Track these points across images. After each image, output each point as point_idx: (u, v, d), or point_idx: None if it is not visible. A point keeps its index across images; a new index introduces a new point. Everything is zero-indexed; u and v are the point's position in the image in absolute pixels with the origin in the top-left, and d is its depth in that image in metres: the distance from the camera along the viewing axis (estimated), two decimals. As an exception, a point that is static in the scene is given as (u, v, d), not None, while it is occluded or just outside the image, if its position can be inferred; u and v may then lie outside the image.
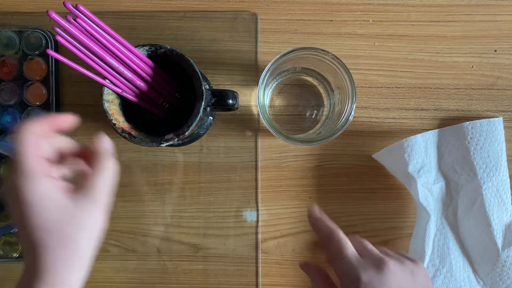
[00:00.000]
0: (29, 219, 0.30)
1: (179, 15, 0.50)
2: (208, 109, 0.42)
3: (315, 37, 0.50)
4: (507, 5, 0.50)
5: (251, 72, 0.50)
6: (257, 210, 0.50)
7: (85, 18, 0.36)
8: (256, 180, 0.50)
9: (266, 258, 0.50)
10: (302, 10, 0.50)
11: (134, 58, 0.40)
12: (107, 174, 0.33)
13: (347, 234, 0.50)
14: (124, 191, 0.50)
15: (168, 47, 0.41)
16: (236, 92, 0.43)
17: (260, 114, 0.43)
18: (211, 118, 0.49)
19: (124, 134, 0.41)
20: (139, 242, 0.50)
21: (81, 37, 0.36)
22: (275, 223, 0.50)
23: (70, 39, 0.36)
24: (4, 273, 0.50)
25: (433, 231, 0.47)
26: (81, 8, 0.36)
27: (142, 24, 0.50)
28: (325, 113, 0.50)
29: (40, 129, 0.32)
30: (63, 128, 0.34)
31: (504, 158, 0.47)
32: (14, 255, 0.49)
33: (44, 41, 0.49)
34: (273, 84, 0.50)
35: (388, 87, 0.50)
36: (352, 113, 0.42)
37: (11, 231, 0.46)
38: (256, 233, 0.50)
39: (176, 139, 0.40)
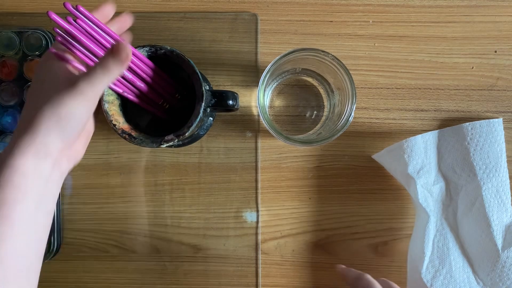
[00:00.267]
0: (32, 84, 0.36)
1: (179, 16, 0.50)
2: (208, 110, 0.42)
3: (315, 38, 0.50)
4: (507, 6, 0.50)
5: (251, 73, 0.50)
6: (257, 211, 0.50)
7: (85, 19, 0.36)
8: (256, 181, 0.50)
9: (266, 258, 0.50)
10: (302, 11, 0.50)
11: (135, 59, 0.40)
12: (102, 73, 0.34)
13: (347, 235, 0.50)
14: (124, 191, 0.50)
15: (168, 48, 0.41)
16: (236, 93, 0.43)
17: (260, 115, 0.43)
18: (211, 119, 0.49)
19: (124, 135, 0.41)
20: (139, 242, 0.50)
21: (82, 38, 0.36)
22: (275, 223, 0.50)
23: (71, 40, 0.36)
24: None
25: (432, 232, 0.47)
26: (81, 9, 0.36)
27: (142, 25, 0.50)
28: (325, 114, 0.50)
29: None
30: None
31: (504, 159, 0.47)
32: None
33: (44, 42, 0.49)
34: (273, 85, 0.50)
35: (388, 88, 0.50)
36: (352, 114, 0.42)
37: None
38: (256, 233, 0.50)
39: (176, 140, 0.40)
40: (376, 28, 0.50)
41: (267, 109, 0.48)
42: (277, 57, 0.42)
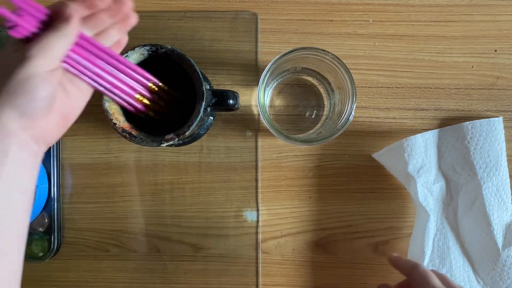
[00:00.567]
0: None
1: (179, 15, 0.50)
2: (209, 109, 0.42)
3: (315, 37, 0.50)
4: (507, 5, 0.50)
5: (251, 72, 0.50)
6: (257, 210, 0.50)
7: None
8: (256, 180, 0.50)
9: (266, 258, 0.50)
10: (302, 10, 0.50)
11: (96, 51, 0.38)
12: (52, 35, 0.32)
13: (347, 234, 0.50)
14: (125, 191, 0.50)
15: (169, 47, 0.41)
16: (236, 93, 0.43)
17: (261, 114, 0.43)
18: (212, 118, 0.49)
19: (124, 134, 0.41)
20: (139, 242, 0.50)
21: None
22: (275, 223, 0.50)
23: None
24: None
25: (432, 231, 0.47)
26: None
27: (142, 24, 0.50)
28: (325, 113, 0.50)
29: None
30: None
31: (504, 157, 0.47)
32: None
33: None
34: (273, 84, 0.50)
35: (388, 87, 0.50)
36: (352, 113, 0.42)
37: None
38: (256, 233, 0.50)
39: (176, 139, 0.40)
40: (376, 27, 0.50)
41: (267, 108, 0.48)
42: (277, 56, 0.42)
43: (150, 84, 0.40)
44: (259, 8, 0.50)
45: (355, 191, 0.50)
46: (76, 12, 0.34)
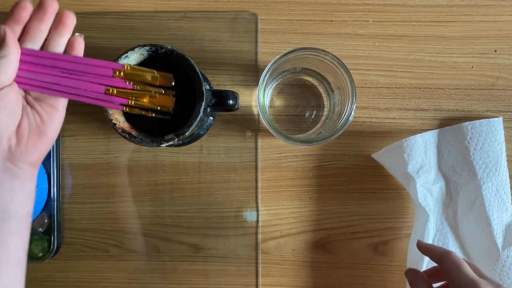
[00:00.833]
0: None
1: (179, 16, 0.50)
2: (209, 109, 0.42)
3: (315, 37, 0.50)
4: (507, 5, 0.50)
5: (251, 73, 0.50)
6: (257, 210, 0.50)
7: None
8: (256, 180, 0.50)
9: (266, 258, 0.50)
10: (302, 11, 0.50)
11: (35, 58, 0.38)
12: None
13: (347, 234, 0.50)
14: (124, 191, 0.50)
15: (169, 47, 0.41)
16: (236, 93, 0.43)
17: (260, 114, 0.43)
18: (211, 118, 0.49)
19: (124, 134, 0.41)
20: (139, 242, 0.50)
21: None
22: (275, 223, 0.50)
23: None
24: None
25: (432, 231, 0.47)
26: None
27: (142, 24, 0.50)
28: (325, 113, 0.50)
29: None
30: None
31: (504, 158, 0.47)
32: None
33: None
34: (273, 84, 0.50)
35: (388, 88, 0.50)
36: (352, 113, 0.42)
37: None
38: (256, 233, 0.50)
39: (176, 139, 0.40)
40: (376, 27, 0.50)
41: (267, 109, 0.48)
42: (277, 57, 0.42)
43: (116, 72, 0.39)
44: (259, 9, 0.50)
45: (355, 192, 0.50)
46: (8, 32, 0.35)
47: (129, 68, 0.39)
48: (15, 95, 0.36)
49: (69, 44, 0.38)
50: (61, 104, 0.38)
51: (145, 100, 0.39)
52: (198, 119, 0.40)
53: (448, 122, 0.50)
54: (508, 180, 0.47)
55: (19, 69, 0.37)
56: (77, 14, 0.50)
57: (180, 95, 0.44)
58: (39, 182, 0.48)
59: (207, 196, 0.50)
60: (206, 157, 0.50)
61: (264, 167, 0.50)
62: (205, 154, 0.50)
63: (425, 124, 0.50)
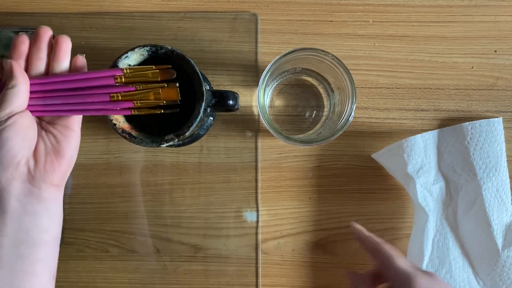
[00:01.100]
0: None
1: (179, 16, 0.50)
2: (209, 109, 0.42)
3: (315, 37, 0.50)
4: (507, 5, 0.50)
5: (251, 73, 0.50)
6: (257, 211, 0.50)
7: None
8: (256, 180, 0.50)
9: (266, 258, 0.50)
10: (302, 11, 0.50)
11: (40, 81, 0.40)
12: (8, 92, 0.37)
13: (347, 235, 0.50)
14: (124, 191, 0.50)
15: (169, 47, 0.41)
16: (236, 93, 0.43)
17: (260, 115, 0.43)
18: (212, 118, 0.49)
19: (124, 135, 0.41)
20: (139, 242, 0.50)
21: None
22: (275, 223, 0.50)
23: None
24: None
25: (432, 231, 0.47)
26: None
27: (142, 24, 0.50)
28: (325, 113, 0.50)
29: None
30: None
31: (504, 158, 0.47)
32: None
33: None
34: (273, 84, 0.50)
35: (388, 88, 0.50)
36: (352, 113, 0.42)
37: None
38: (256, 233, 0.50)
39: (176, 140, 0.40)
40: (376, 27, 0.50)
41: (267, 109, 0.48)
42: (277, 57, 0.42)
43: (117, 78, 0.39)
44: (259, 9, 0.50)
45: (355, 192, 0.50)
46: (14, 64, 0.38)
47: (128, 70, 0.39)
48: (28, 121, 0.38)
49: (72, 65, 0.40)
50: (74, 123, 0.40)
51: (151, 97, 0.39)
52: (198, 119, 0.40)
53: (448, 123, 0.50)
54: (508, 180, 0.47)
55: (30, 98, 0.39)
56: (77, 14, 0.50)
57: (180, 96, 0.44)
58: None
59: (207, 196, 0.50)
60: (206, 157, 0.50)
61: (264, 168, 0.50)
62: (205, 154, 0.50)
63: (425, 124, 0.50)
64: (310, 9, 0.50)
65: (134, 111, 0.39)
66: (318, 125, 0.50)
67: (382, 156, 0.48)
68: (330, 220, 0.50)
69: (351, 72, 0.42)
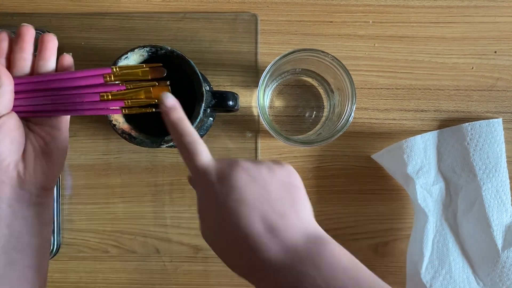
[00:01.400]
0: None
1: (179, 16, 0.50)
2: (208, 110, 0.42)
3: (315, 38, 0.50)
4: (507, 6, 0.50)
5: (251, 73, 0.50)
6: (257, 211, 0.50)
7: None
8: (256, 181, 0.50)
9: (266, 259, 0.50)
10: (302, 11, 0.50)
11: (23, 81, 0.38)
12: None
13: (347, 235, 0.50)
14: (124, 192, 0.50)
15: (169, 48, 0.41)
16: (236, 94, 0.43)
17: (260, 115, 0.43)
18: (211, 119, 0.49)
19: (124, 135, 0.41)
20: (139, 243, 0.50)
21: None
22: (275, 224, 0.50)
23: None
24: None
25: (431, 232, 0.47)
26: None
27: (142, 25, 0.50)
28: (325, 114, 0.50)
29: None
30: None
31: (503, 159, 0.47)
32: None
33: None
34: (273, 85, 0.50)
35: (388, 88, 0.50)
36: (352, 114, 0.42)
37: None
38: (256, 234, 0.50)
39: (176, 140, 0.40)
40: (376, 28, 0.50)
41: (267, 110, 0.48)
42: (277, 58, 0.42)
43: (107, 77, 0.39)
44: (259, 9, 0.50)
45: (355, 192, 0.50)
46: None
47: (118, 69, 0.39)
48: (16, 123, 0.36)
49: (59, 64, 0.39)
50: (61, 123, 0.38)
51: (142, 96, 0.39)
52: (198, 120, 0.40)
53: (448, 123, 0.50)
54: (508, 181, 0.47)
55: (15, 99, 0.37)
56: (77, 14, 0.50)
57: (180, 96, 0.44)
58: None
59: (207, 197, 0.50)
60: (206, 158, 0.50)
61: (264, 168, 0.50)
62: (205, 155, 0.50)
63: (425, 125, 0.50)
64: (310, 10, 0.50)
65: (125, 111, 0.39)
66: (318, 126, 0.50)
67: (382, 156, 0.48)
68: (330, 221, 0.50)
69: (351, 72, 0.42)
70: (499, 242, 0.46)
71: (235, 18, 0.50)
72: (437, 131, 0.48)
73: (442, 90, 0.50)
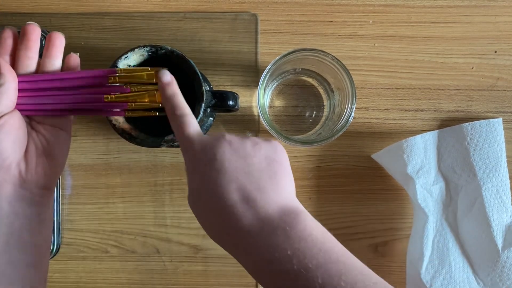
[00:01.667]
0: None
1: (179, 16, 0.50)
2: (209, 110, 0.42)
3: (315, 38, 0.50)
4: (507, 6, 0.50)
5: (251, 73, 0.50)
6: (257, 211, 0.50)
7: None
8: (256, 181, 0.50)
9: (266, 259, 0.50)
10: (302, 11, 0.50)
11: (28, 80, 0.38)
12: None
13: (347, 235, 0.50)
14: (124, 191, 0.50)
15: (169, 48, 0.41)
16: (236, 94, 0.43)
17: (260, 115, 0.43)
18: (212, 119, 0.49)
19: (124, 135, 0.41)
20: (139, 242, 0.50)
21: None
22: (275, 224, 0.50)
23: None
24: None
25: (431, 232, 0.47)
26: None
27: (142, 25, 0.50)
28: (325, 114, 0.50)
29: None
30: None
31: (504, 159, 0.47)
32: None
33: (44, 42, 0.49)
34: (273, 85, 0.50)
35: (388, 88, 0.50)
36: (352, 114, 0.42)
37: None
38: (256, 234, 0.50)
39: (176, 140, 0.40)
40: (376, 28, 0.50)
41: (267, 109, 0.48)
42: (277, 57, 0.42)
43: (111, 78, 0.39)
44: (259, 9, 0.50)
45: (355, 192, 0.50)
46: (1, 61, 0.36)
47: (123, 71, 0.39)
48: (18, 122, 0.36)
49: (65, 63, 0.38)
50: (65, 123, 0.38)
51: (146, 100, 0.39)
52: (198, 119, 0.40)
53: (448, 123, 0.50)
54: (508, 181, 0.47)
55: (18, 97, 0.37)
56: (77, 14, 0.50)
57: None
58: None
59: (207, 197, 0.50)
60: (206, 157, 0.50)
61: (264, 168, 0.50)
62: (205, 155, 0.50)
63: (425, 125, 0.50)
64: (310, 10, 0.50)
65: (128, 113, 0.39)
66: (318, 126, 0.50)
67: (382, 156, 0.48)
68: (330, 221, 0.50)
69: (351, 72, 0.42)
70: (499, 242, 0.46)
71: (235, 18, 0.50)
72: (437, 131, 0.48)
73: (442, 90, 0.50)
